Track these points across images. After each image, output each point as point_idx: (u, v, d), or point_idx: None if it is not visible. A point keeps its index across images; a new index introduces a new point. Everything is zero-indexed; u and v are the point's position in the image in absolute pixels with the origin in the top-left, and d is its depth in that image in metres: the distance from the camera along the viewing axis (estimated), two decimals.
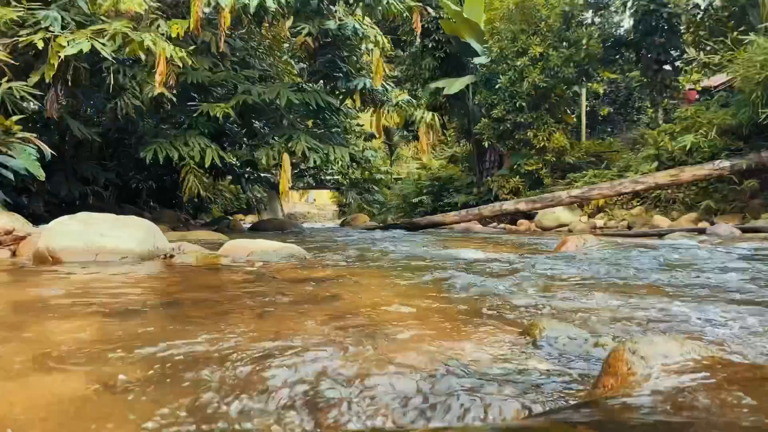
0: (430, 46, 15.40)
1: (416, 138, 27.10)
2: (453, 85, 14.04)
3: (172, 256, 2.86)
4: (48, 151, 4.18)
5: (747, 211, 8.79)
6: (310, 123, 10.00)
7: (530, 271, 2.58)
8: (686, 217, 8.82)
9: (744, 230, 6.74)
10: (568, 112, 15.01)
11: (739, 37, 8.57)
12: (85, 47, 5.71)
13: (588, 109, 18.35)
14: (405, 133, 25.19)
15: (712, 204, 8.99)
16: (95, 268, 2.54)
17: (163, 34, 6.83)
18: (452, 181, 17.88)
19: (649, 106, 17.74)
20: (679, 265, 2.76)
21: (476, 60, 14.08)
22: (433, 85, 14.89)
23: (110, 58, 5.88)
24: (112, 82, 6.23)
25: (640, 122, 18.75)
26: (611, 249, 3.71)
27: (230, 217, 24.58)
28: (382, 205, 20.43)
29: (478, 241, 6.78)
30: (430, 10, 8.12)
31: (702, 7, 11.40)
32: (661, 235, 7.37)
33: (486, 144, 14.00)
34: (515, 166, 13.56)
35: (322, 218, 36.72)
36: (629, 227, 9.85)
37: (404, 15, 7.94)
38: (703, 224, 8.63)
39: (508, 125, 13.09)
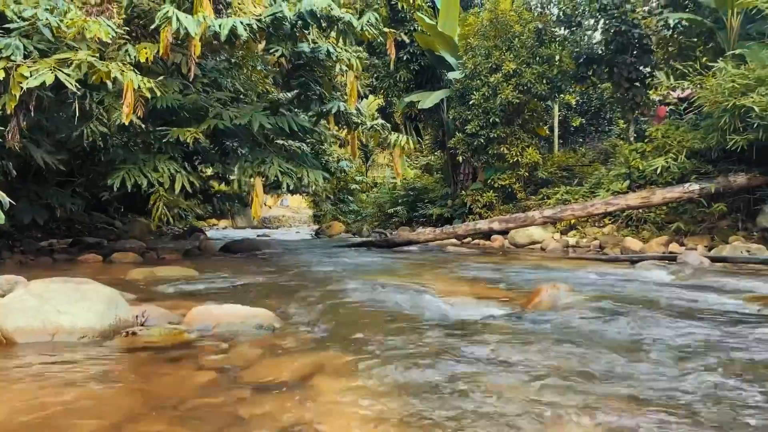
0: (404, 58, 15.39)
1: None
2: (427, 99, 14.06)
3: (134, 333, 2.75)
4: (6, 200, 4.03)
5: (715, 232, 8.96)
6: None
7: (506, 361, 2.55)
8: (657, 240, 8.93)
9: (713, 260, 6.84)
10: (541, 124, 15.14)
11: (708, 63, 8.71)
12: (49, 79, 5.53)
13: (560, 118, 18.53)
14: (381, 139, 25.15)
15: (682, 225, 9.14)
16: (48, 357, 2.42)
17: (130, 62, 6.66)
18: (427, 192, 17.92)
19: (620, 117, 17.97)
20: (679, 349, 2.70)
21: (450, 75, 14.12)
22: (407, 99, 14.91)
23: (75, 90, 5.70)
24: (77, 114, 6.05)
25: (612, 132, 19.02)
26: (587, 304, 3.69)
27: (204, 225, 24.21)
28: (356, 214, 20.37)
29: (451, 270, 6.71)
30: (404, 36, 8.06)
31: (671, 25, 11.55)
32: (633, 262, 7.45)
33: (460, 159, 14.05)
34: (489, 181, 13.64)
35: (296, 222, 36.44)
36: (601, 247, 9.96)
37: (378, 40, 7.88)
38: (673, 246, 8.76)
39: (482, 140, 13.14)
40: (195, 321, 3.04)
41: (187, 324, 3.04)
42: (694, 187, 8.73)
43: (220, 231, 26.03)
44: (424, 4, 15.52)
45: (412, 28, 15.49)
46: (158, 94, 6.17)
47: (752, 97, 7.64)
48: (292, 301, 4.07)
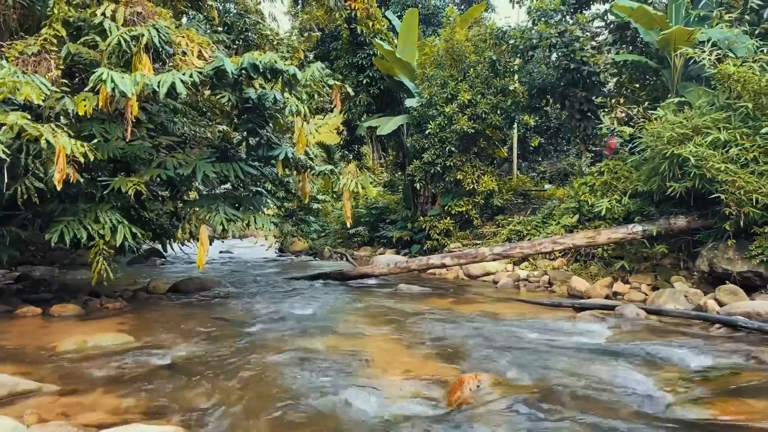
0: (364, 82, 15.41)
1: (357, 158, 26.96)
2: (386, 125, 14.11)
3: None
4: None
5: (659, 271, 9.21)
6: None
7: None
8: (601, 282, 9.14)
9: (648, 311, 7.04)
10: (500, 146, 15.30)
11: (650, 111, 8.93)
12: None
13: (519, 136, 18.77)
14: (345, 153, 25.18)
15: (626, 264, 9.37)
16: None
17: (67, 121, 6.55)
18: (389, 212, 17.98)
19: (576, 137, 18.26)
20: None
21: (408, 102, 14.20)
22: (365, 124, 14.95)
23: (3, 156, 5.57)
24: (6, 180, 5.91)
25: (570, 152, 19.35)
26: (506, 404, 3.76)
27: (159, 250, 23.61)
28: (319, 233, 20.37)
29: (395, 321, 6.72)
30: (349, 89, 8.09)
31: (619, 64, 11.78)
32: (576, 308, 7.63)
33: (418, 186, 14.14)
34: (446, 207, 13.75)
35: (259, 232, 36.16)
36: (550, 282, 10.16)
37: (325, 90, 7.90)
38: (618, 286, 8.99)
39: (438, 168, 13.25)
40: None
41: None
42: (637, 228, 8.95)
43: (176, 257, 25.59)
44: (383, 28, 15.59)
45: (371, 52, 15.54)
46: (91, 158, 6.06)
47: (689, 147, 7.86)
48: (212, 398, 4.06)
